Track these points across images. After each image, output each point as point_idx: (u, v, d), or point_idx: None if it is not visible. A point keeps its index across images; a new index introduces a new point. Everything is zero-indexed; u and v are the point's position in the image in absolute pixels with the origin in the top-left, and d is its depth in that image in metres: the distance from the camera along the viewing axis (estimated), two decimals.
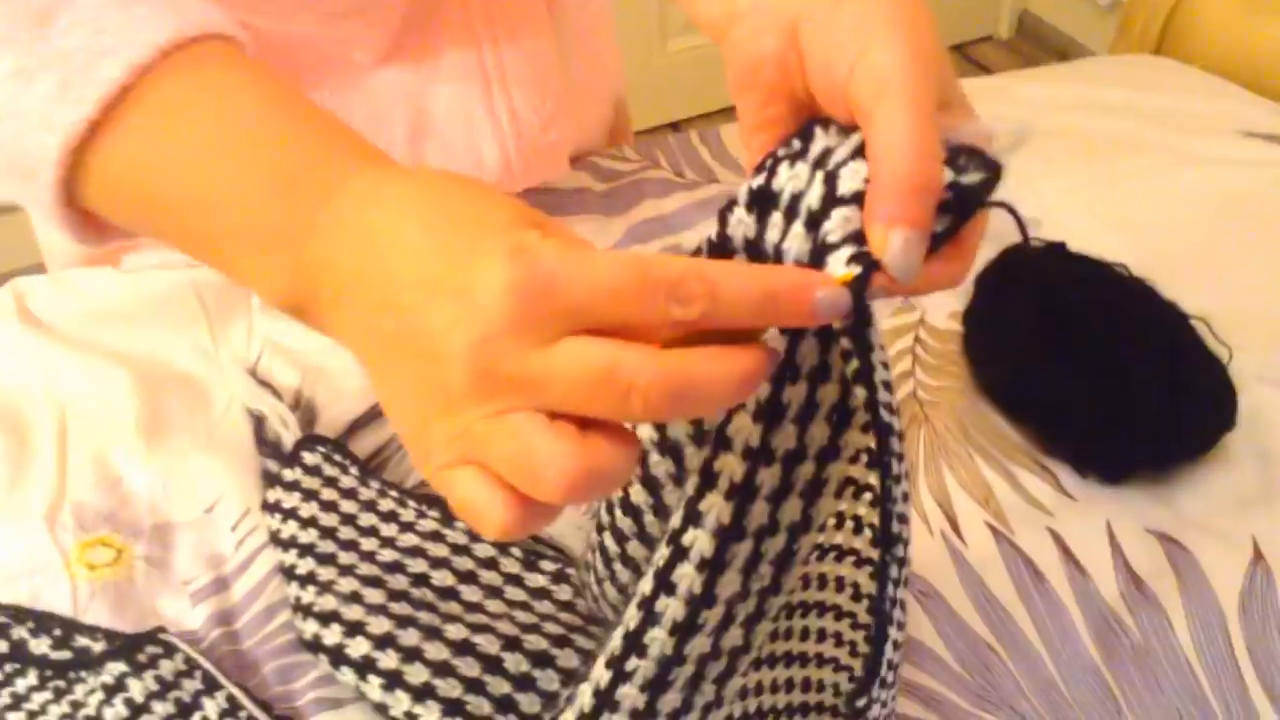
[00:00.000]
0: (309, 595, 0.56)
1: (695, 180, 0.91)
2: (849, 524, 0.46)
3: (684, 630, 0.36)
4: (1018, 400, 0.68)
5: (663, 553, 0.36)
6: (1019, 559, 0.60)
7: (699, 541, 0.36)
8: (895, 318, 0.76)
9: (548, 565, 0.59)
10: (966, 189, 0.34)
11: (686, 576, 0.36)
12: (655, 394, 0.30)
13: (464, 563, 0.58)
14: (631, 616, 0.37)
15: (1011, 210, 0.35)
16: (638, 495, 0.41)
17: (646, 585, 0.36)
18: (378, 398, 0.36)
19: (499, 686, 0.50)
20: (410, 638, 0.52)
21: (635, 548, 0.42)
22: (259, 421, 0.69)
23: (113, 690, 0.55)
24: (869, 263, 0.32)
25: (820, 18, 0.38)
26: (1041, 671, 0.55)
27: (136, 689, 0.55)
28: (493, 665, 0.51)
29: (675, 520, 0.36)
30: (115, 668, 0.56)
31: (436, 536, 0.60)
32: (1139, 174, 0.90)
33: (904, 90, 0.35)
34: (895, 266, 0.32)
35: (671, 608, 0.36)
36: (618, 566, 0.43)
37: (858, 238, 0.33)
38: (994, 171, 0.34)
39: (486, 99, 0.74)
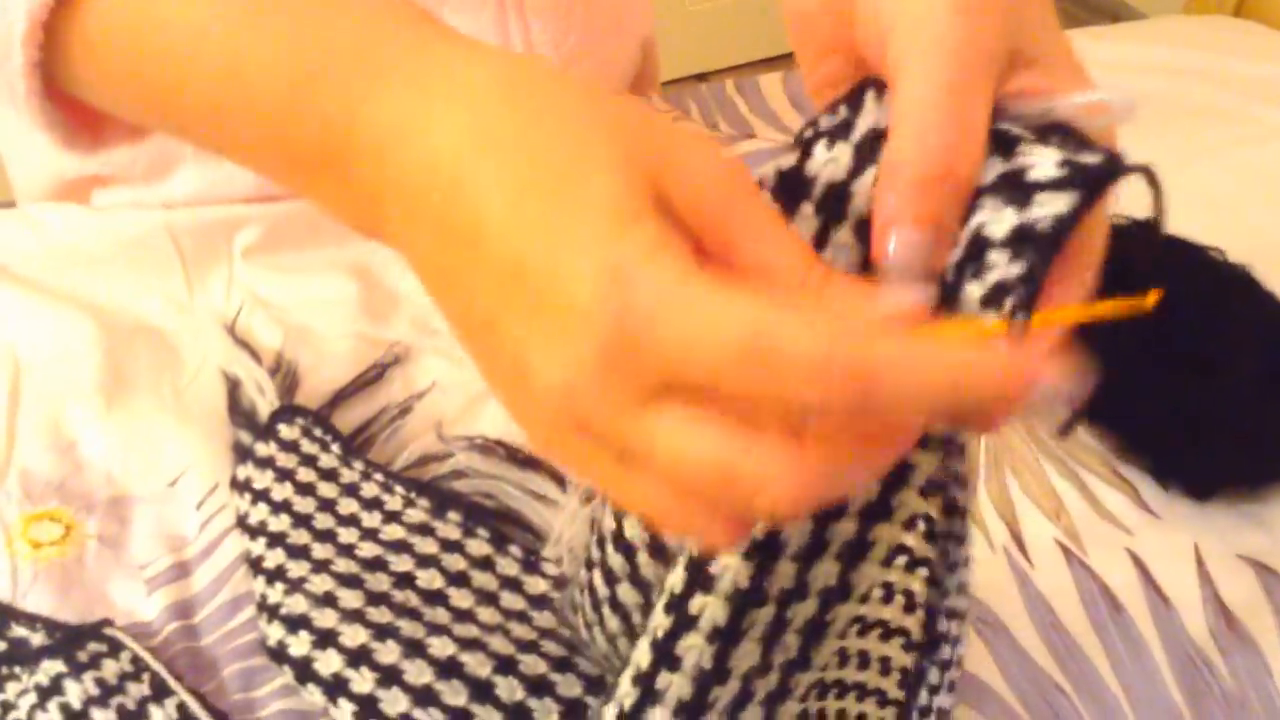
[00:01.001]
0: (276, 594, 0.49)
1: (730, 134, 0.82)
2: (900, 598, 0.38)
3: (691, 711, 0.29)
4: (1094, 400, 0.59)
5: (662, 621, 0.29)
6: (1093, 584, 0.52)
7: (710, 608, 0.29)
8: None
9: (550, 568, 0.51)
10: (1087, 168, 0.26)
11: (695, 648, 0.29)
12: (784, 507, 0.23)
13: (455, 561, 0.51)
14: (627, 694, 0.29)
15: (1152, 177, 0.27)
16: (632, 530, 0.34)
17: (643, 658, 0.29)
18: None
19: (488, 718, 0.43)
20: (389, 653, 0.45)
21: (626, 591, 0.35)
22: (234, 386, 0.61)
23: (47, 693, 0.48)
24: (1024, 310, 0.24)
25: None
26: (1117, 719, 0.48)
27: (74, 693, 0.48)
28: (482, 692, 0.43)
29: (676, 582, 0.29)
30: (52, 667, 0.48)
31: (425, 529, 0.52)
32: (1223, 147, 0.81)
33: (931, 50, 0.27)
34: (891, 268, 0.26)
35: (676, 684, 0.29)
36: (606, 611, 0.36)
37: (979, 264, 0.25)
38: (1108, 155, 0.26)
39: (501, 29, 0.65)
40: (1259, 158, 0.80)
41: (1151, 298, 0.26)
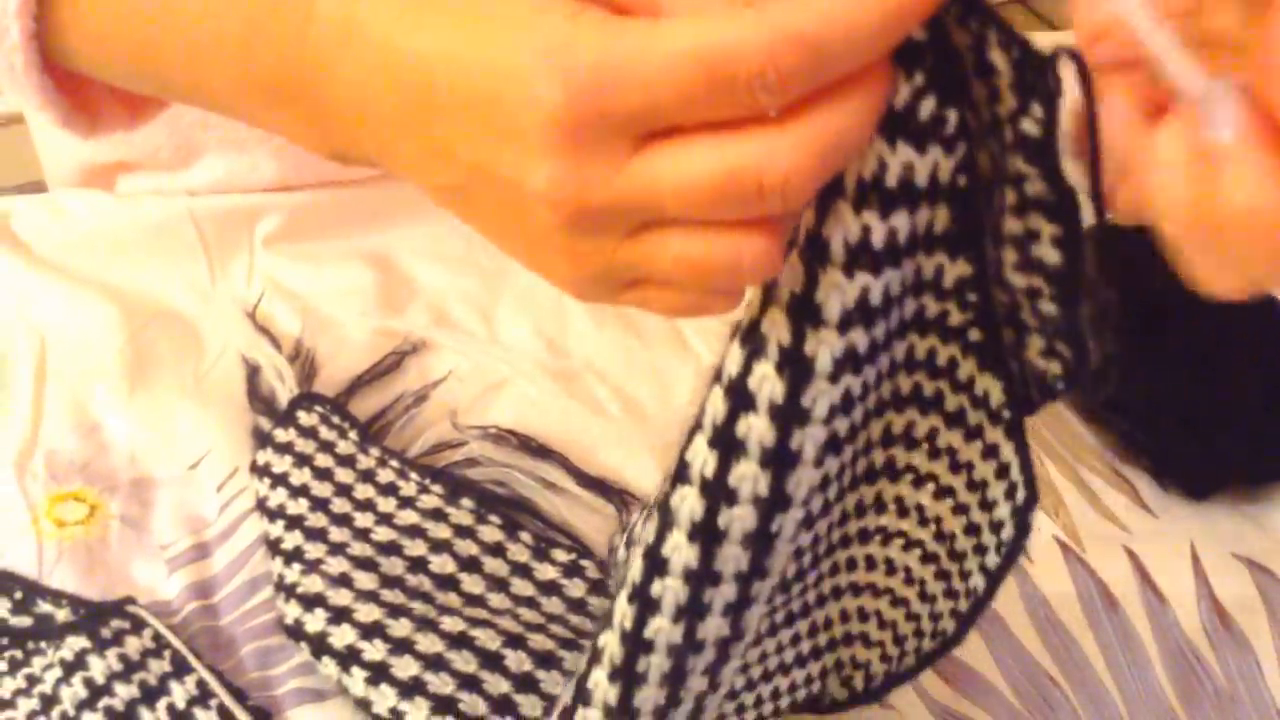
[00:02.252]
0: (293, 574, 0.50)
1: None
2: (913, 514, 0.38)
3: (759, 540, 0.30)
4: (1094, 396, 0.61)
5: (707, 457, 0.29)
6: (1090, 580, 0.54)
7: (756, 428, 0.28)
8: None
9: (560, 555, 0.53)
10: None
11: (749, 477, 0.29)
12: (797, 183, 0.24)
13: (467, 547, 0.52)
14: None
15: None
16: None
17: (696, 506, 0.30)
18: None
19: (497, 685, 0.44)
20: (401, 628, 0.46)
21: None
22: (254, 372, 0.62)
23: (72, 668, 0.49)
24: None
25: None
26: (1110, 712, 0.49)
27: (98, 668, 0.49)
28: (491, 662, 0.45)
29: (718, 411, 0.29)
30: (76, 642, 0.50)
31: (439, 515, 0.54)
32: None
33: None
34: None
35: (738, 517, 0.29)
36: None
37: None
38: None
39: None
40: None
41: None
